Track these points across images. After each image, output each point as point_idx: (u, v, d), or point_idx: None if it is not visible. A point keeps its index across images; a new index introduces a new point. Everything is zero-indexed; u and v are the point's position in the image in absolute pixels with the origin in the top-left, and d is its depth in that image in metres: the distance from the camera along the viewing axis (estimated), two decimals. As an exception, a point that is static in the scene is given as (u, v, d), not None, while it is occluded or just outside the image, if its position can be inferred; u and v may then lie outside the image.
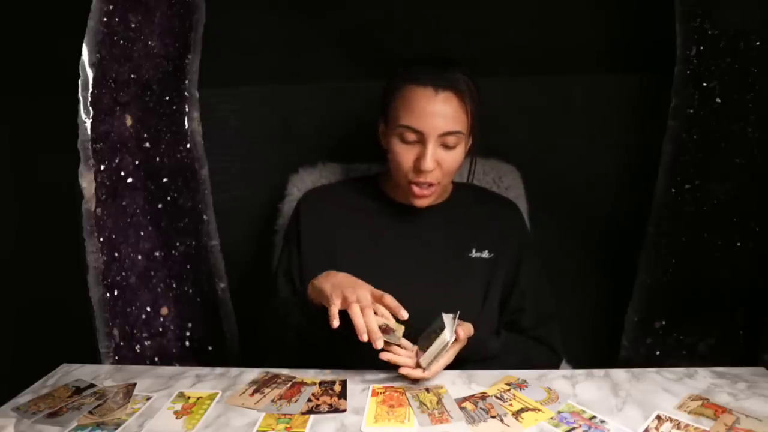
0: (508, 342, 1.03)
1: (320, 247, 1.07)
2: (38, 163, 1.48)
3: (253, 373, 0.97)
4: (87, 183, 1.03)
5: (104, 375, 0.99)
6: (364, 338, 0.82)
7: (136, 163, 1.16)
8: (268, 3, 1.36)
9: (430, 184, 0.99)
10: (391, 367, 0.95)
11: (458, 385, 0.91)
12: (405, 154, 0.98)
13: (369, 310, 0.84)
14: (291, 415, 0.83)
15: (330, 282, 0.90)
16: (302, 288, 0.97)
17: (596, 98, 1.34)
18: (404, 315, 0.86)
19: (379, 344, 0.83)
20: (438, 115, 0.94)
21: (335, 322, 0.84)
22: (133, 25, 1.09)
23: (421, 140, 0.96)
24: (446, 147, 0.97)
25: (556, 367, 1.11)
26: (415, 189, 0.99)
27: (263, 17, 1.36)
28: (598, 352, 1.33)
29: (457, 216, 1.09)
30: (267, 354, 1.10)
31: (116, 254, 1.11)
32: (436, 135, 0.95)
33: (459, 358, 0.91)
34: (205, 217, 1.33)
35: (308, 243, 1.08)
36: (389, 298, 0.87)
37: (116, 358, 1.10)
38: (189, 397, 0.90)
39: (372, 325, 0.83)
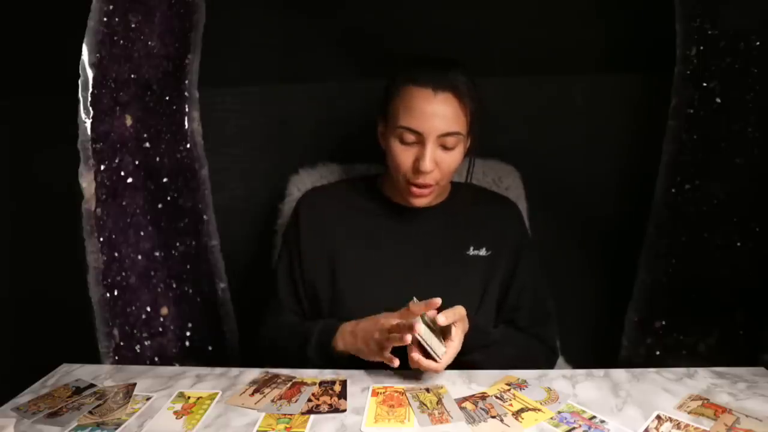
0: (507, 334, 1.03)
1: (320, 247, 1.07)
2: (38, 163, 1.48)
3: (253, 373, 0.97)
4: (87, 183, 1.03)
5: (104, 375, 0.99)
6: (423, 364, 0.86)
7: (136, 163, 1.16)
8: (268, 3, 1.36)
9: (429, 185, 0.99)
10: (391, 367, 0.95)
11: (458, 385, 0.91)
12: (404, 155, 0.98)
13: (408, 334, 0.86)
14: (291, 415, 0.83)
15: (359, 338, 0.93)
16: (321, 339, 0.98)
17: (596, 98, 1.34)
18: (437, 302, 0.86)
19: (441, 352, 0.87)
20: (437, 116, 0.94)
21: (396, 363, 0.88)
22: (133, 25, 1.09)
23: (420, 141, 0.96)
24: (445, 148, 0.97)
25: (553, 364, 1.11)
26: (414, 189, 1.00)
27: (263, 17, 1.36)
28: (598, 352, 1.33)
29: (455, 215, 1.09)
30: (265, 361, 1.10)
31: (116, 254, 1.11)
32: (435, 136, 0.95)
33: (462, 347, 0.91)
34: (205, 217, 1.33)
35: (308, 243, 1.08)
36: (416, 308, 0.88)
37: (116, 358, 1.10)
38: (189, 397, 0.90)
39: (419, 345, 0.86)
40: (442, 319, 0.86)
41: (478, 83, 0.99)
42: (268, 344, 1.08)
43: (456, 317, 0.88)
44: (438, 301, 0.85)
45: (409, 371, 0.94)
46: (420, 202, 1.02)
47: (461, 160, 1.00)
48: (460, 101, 0.95)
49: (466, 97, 0.96)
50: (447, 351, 0.88)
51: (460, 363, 0.94)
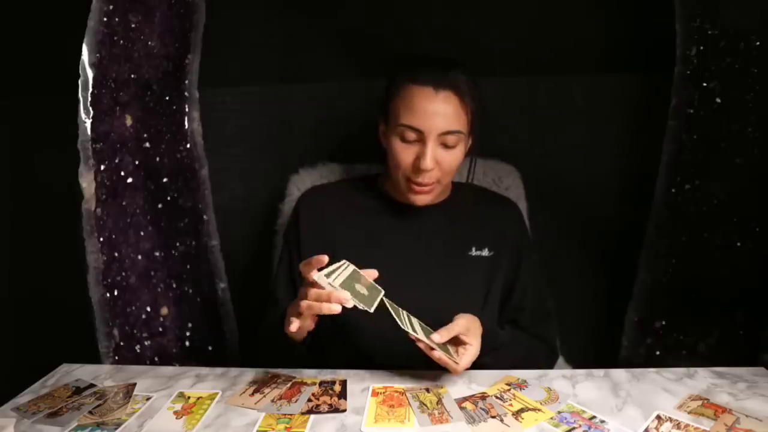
0: (513, 335, 1.03)
1: (320, 247, 1.06)
2: (38, 163, 1.49)
3: (253, 373, 0.97)
4: (87, 183, 1.03)
5: (104, 375, 0.99)
6: (334, 309, 0.80)
7: (136, 163, 1.16)
8: (268, 3, 1.36)
9: (429, 183, 0.99)
10: (391, 367, 0.95)
11: (458, 385, 0.91)
12: (405, 153, 0.98)
13: (309, 291, 0.83)
14: (291, 415, 0.83)
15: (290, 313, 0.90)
16: (281, 333, 0.95)
17: (596, 98, 1.34)
18: (323, 259, 0.83)
19: (347, 303, 0.80)
20: (438, 114, 0.94)
21: (294, 326, 0.84)
22: (133, 25, 1.09)
23: (421, 139, 0.96)
24: (446, 146, 0.97)
25: (553, 364, 1.11)
26: (414, 186, 0.99)
27: (263, 17, 1.36)
28: (598, 352, 1.33)
29: (457, 215, 1.09)
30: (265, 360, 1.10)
31: (116, 254, 1.11)
32: (436, 134, 0.95)
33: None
34: (205, 217, 1.33)
35: (308, 242, 1.08)
36: (302, 266, 0.85)
37: (116, 358, 1.10)
38: (189, 397, 0.90)
39: (320, 301, 0.81)
40: (437, 337, 0.85)
41: (478, 83, 0.99)
42: (264, 344, 1.08)
43: (452, 333, 0.87)
44: (324, 258, 0.82)
45: (409, 371, 0.94)
46: (421, 200, 1.02)
47: (462, 159, 1.00)
48: (461, 100, 0.95)
49: (467, 96, 0.96)
50: (466, 354, 0.87)
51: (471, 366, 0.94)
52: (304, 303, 0.82)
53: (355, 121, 1.34)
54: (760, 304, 1.16)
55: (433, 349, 0.84)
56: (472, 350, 0.88)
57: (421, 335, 0.84)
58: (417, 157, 0.97)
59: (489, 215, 1.10)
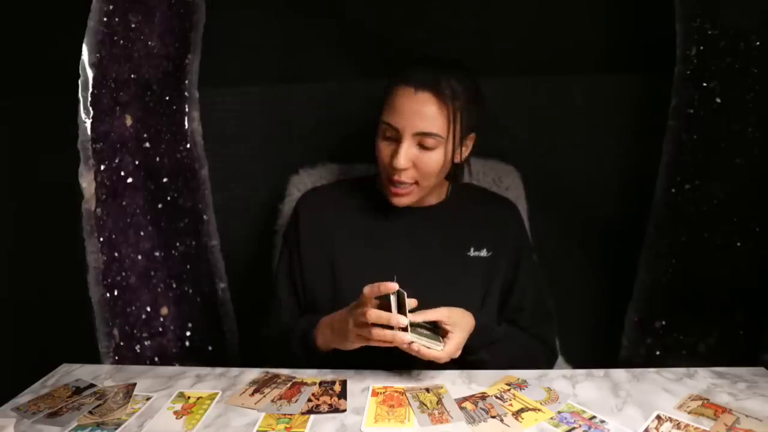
0: (510, 332, 1.03)
1: (319, 248, 1.07)
2: (38, 163, 1.49)
3: (253, 373, 0.97)
4: (87, 183, 1.03)
5: (104, 375, 0.99)
6: (407, 339, 0.84)
7: (136, 163, 1.16)
8: (268, 3, 1.36)
9: (405, 183, 0.99)
10: (391, 367, 0.95)
11: (458, 385, 0.91)
12: (384, 151, 1.00)
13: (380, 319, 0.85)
14: (291, 415, 0.83)
15: (336, 330, 0.92)
16: (304, 335, 0.98)
17: (596, 98, 1.33)
18: (392, 287, 0.84)
19: (404, 322, 0.83)
20: (415, 114, 0.95)
21: (407, 340, 0.85)
22: (133, 25, 1.09)
23: (399, 138, 0.97)
24: (424, 148, 0.97)
25: (552, 365, 1.11)
26: (392, 188, 1.00)
27: (263, 17, 1.36)
28: (598, 352, 1.33)
29: (455, 215, 1.09)
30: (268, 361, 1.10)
31: (116, 254, 1.11)
32: (410, 133, 0.96)
33: (466, 345, 0.91)
34: (205, 217, 1.33)
35: (307, 243, 1.08)
36: (368, 290, 0.86)
37: (116, 358, 1.10)
38: (189, 397, 0.90)
39: (391, 329, 0.84)
40: (404, 320, 0.84)
41: (477, 86, 0.99)
42: (271, 344, 1.08)
43: (427, 317, 0.88)
44: (395, 286, 0.83)
45: (409, 371, 0.94)
46: (397, 202, 1.02)
47: (443, 162, 0.99)
48: (442, 102, 0.95)
49: (449, 99, 0.95)
50: (449, 342, 0.87)
51: (467, 363, 0.94)
52: (378, 333, 0.84)
53: (355, 121, 1.34)
54: (760, 304, 1.16)
55: (411, 342, 0.84)
56: (455, 338, 0.88)
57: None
58: (393, 155, 0.97)
59: (488, 216, 1.10)
